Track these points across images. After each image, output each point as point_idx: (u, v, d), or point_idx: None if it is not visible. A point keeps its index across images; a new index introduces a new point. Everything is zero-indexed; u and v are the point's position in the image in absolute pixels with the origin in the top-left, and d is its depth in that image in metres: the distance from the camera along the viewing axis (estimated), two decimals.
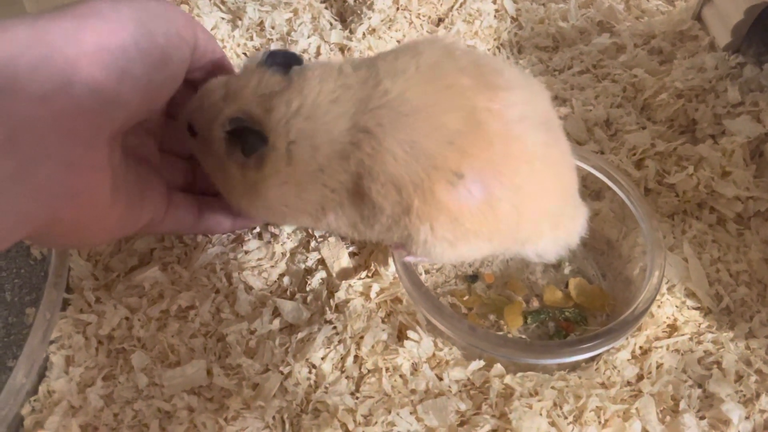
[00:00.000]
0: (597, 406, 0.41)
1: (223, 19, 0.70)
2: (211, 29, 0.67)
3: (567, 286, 0.51)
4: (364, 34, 0.67)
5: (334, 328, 0.45)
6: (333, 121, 0.39)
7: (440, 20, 0.71)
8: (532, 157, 0.39)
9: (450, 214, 0.38)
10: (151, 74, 0.38)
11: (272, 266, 0.50)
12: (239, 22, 0.69)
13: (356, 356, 0.44)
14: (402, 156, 0.37)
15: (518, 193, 0.39)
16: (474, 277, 0.52)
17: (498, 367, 0.44)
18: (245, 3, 0.70)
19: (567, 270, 0.53)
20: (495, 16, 0.72)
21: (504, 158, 0.38)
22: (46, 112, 0.31)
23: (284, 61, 0.42)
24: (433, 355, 0.44)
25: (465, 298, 0.51)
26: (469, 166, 0.37)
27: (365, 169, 0.39)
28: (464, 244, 0.41)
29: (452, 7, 0.70)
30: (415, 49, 0.41)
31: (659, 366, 0.44)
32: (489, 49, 0.69)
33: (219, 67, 0.47)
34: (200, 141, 0.44)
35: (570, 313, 0.49)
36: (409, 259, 0.45)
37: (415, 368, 0.44)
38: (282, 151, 0.40)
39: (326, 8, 0.73)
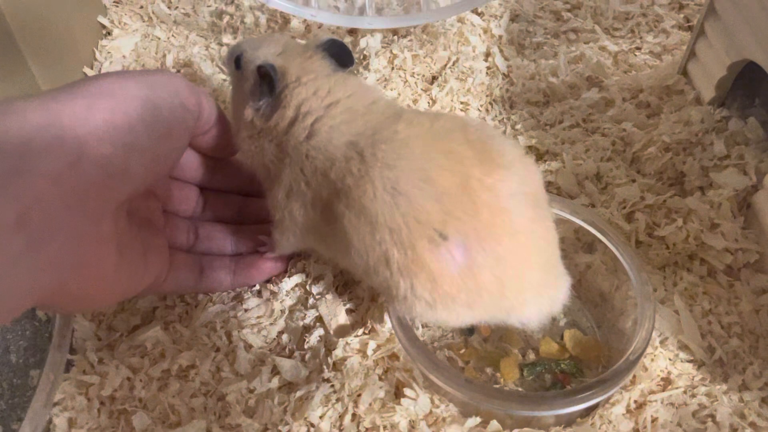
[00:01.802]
0: None
1: (224, 80, 0.72)
2: (213, 91, 0.70)
3: (562, 337, 0.52)
4: None
5: (332, 386, 0.46)
6: (339, 126, 0.43)
7: (434, 78, 0.73)
8: (517, 230, 0.40)
9: (430, 273, 0.39)
10: (156, 147, 0.39)
11: (271, 324, 0.51)
12: None
13: (354, 414, 0.45)
14: (382, 195, 0.39)
15: (501, 264, 0.39)
16: (470, 330, 0.53)
17: (494, 424, 0.44)
18: None
19: (562, 322, 0.53)
20: (487, 73, 0.74)
21: (489, 228, 0.39)
22: (56, 190, 0.33)
23: (339, 55, 0.48)
24: (430, 412, 0.45)
25: (462, 351, 0.51)
26: (454, 228, 0.38)
27: (344, 188, 0.41)
28: (443, 308, 0.41)
29: (445, 65, 0.73)
30: (435, 115, 0.44)
31: (654, 420, 0.44)
32: (482, 105, 0.71)
33: (221, 133, 0.49)
34: (239, 75, 0.49)
35: (566, 365, 0.50)
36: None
37: (412, 426, 0.44)
38: (288, 117, 0.45)
39: None
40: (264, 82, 0.46)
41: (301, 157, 0.44)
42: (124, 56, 0.77)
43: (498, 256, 0.39)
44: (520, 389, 0.49)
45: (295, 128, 0.45)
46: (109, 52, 0.77)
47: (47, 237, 0.33)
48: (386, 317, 0.49)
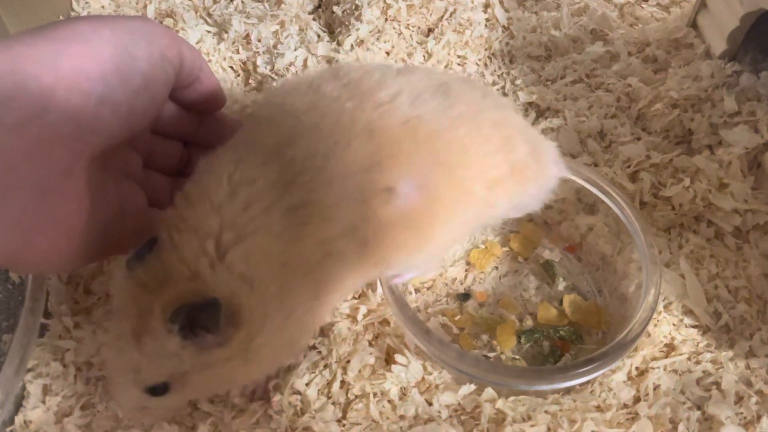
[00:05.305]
0: (592, 431, 0.40)
1: (208, 32, 0.68)
2: (197, 42, 0.66)
3: (561, 302, 0.50)
4: (352, 45, 0.66)
5: (319, 352, 0.44)
6: (262, 220, 0.35)
7: (430, 30, 0.69)
8: (439, 125, 0.38)
9: (392, 224, 0.38)
10: (131, 99, 0.37)
11: None
12: (225, 35, 0.67)
13: (343, 381, 0.43)
14: (342, 204, 0.36)
15: (447, 163, 0.38)
16: (466, 296, 0.51)
17: (489, 392, 0.42)
18: (231, 15, 0.69)
19: (561, 286, 0.51)
20: (486, 25, 0.70)
21: (415, 144, 0.37)
22: (20, 141, 0.31)
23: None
24: (422, 379, 0.43)
25: (456, 318, 0.49)
26: (393, 174, 0.37)
27: (320, 235, 0.36)
28: (428, 241, 0.40)
29: (442, 17, 0.69)
30: (292, 111, 0.39)
31: (656, 387, 0.43)
32: (480, 60, 0.68)
33: (205, 86, 0.46)
34: (175, 389, 0.36)
35: (564, 331, 0.48)
36: (398, 280, 0.43)
37: (403, 393, 0.43)
38: (238, 292, 0.34)
39: (314, 19, 0.72)
40: (199, 319, 0.33)
41: (288, 271, 0.36)
42: (103, 6, 0.73)
43: (442, 161, 0.38)
44: (517, 357, 0.47)
45: (255, 280, 0.35)
46: (87, 2, 0.73)
47: (11, 191, 0.31)
48: (378, 283, 0.47)
